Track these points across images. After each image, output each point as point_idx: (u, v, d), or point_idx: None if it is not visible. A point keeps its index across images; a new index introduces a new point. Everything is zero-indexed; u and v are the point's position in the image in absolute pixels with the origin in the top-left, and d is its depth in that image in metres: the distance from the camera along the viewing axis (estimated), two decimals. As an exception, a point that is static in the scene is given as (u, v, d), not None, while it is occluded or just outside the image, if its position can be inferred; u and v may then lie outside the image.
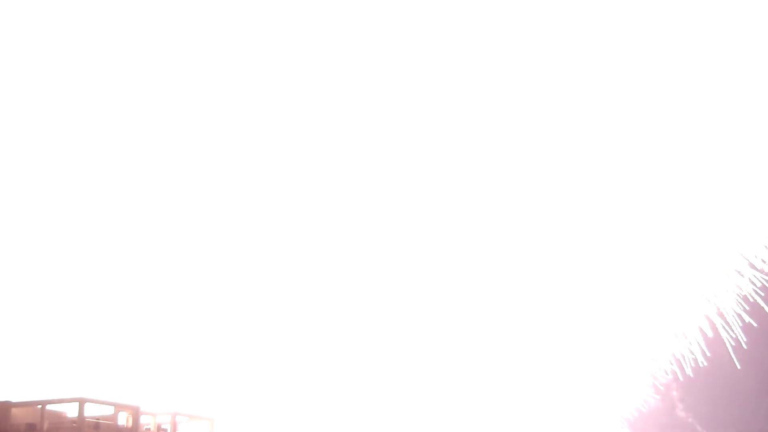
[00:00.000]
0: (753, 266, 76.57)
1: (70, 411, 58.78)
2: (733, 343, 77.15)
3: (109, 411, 59.49)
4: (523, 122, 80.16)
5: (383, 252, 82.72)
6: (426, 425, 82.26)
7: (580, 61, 79.05)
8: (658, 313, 78.97)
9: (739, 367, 77.81)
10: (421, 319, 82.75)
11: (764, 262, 76.64)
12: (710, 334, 77.40)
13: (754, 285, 76.52)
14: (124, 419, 59.97)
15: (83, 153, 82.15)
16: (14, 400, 59.86)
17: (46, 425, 58.03)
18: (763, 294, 76.53)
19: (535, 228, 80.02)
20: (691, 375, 78.12)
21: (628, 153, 79.14)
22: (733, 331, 77.03)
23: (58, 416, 58.66)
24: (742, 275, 77.23)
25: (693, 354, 77.43)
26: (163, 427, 63.02)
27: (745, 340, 76.73)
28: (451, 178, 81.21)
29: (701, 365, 77.63)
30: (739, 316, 76.85)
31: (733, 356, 76.85)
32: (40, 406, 58.20)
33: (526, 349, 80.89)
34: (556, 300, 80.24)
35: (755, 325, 76.24)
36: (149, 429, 61.94)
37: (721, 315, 76.68)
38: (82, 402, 58.20)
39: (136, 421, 60.85)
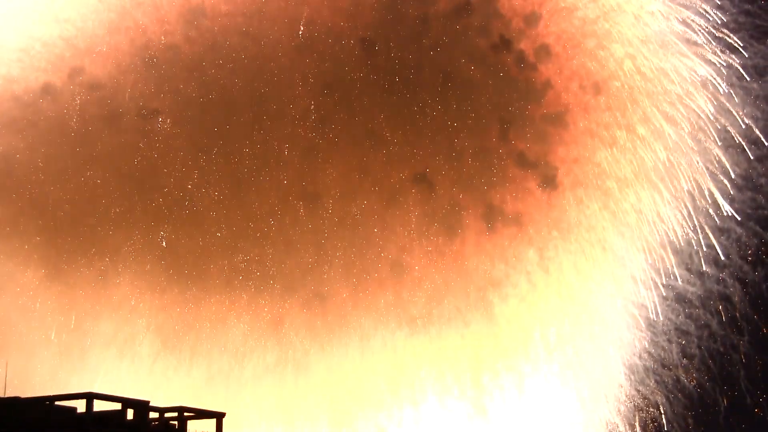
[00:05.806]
0: None
1: (79, 407, 58.83)
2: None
3: (116, 406, 59.56)
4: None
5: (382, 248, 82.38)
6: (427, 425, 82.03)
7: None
8: None
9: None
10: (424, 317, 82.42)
11: None
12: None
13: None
14: (131, 415, 59.99)
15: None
16: (22, 396, 60.03)
17: (54, 421, 58.09)
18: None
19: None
20: None
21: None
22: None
23: (66, 412, 58.71)
24: None
25: None
26: (171, 422, 63.02)
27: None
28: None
29: None
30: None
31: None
32: (48, 402, 58.24)
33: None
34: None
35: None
36: (157, 424, 61.93)
37: None
38: (90, 397, 58.23)
39: (144, 416, 60.87)
